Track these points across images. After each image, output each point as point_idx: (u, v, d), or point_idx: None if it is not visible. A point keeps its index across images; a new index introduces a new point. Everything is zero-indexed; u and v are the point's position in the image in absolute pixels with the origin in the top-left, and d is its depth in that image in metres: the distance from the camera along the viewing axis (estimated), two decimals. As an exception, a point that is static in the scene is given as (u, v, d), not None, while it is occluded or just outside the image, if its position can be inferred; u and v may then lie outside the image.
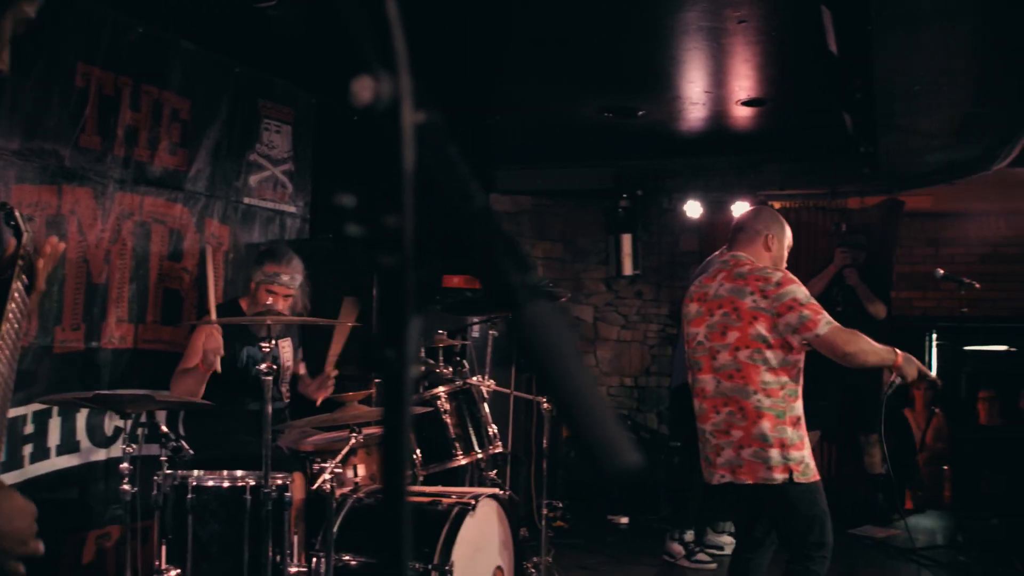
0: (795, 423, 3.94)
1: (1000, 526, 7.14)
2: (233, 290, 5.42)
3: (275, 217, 5.99)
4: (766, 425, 3.89)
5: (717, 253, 4.54)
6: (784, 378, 3.95)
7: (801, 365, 4.04)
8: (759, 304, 3.95)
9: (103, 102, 4.73)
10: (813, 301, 3.99)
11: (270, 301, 4.65)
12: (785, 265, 4.26)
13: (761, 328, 3.94)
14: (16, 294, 1.92)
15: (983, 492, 8.33)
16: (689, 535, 6.36)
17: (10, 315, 1.90)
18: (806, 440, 4.00)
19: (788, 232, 4.34)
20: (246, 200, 5.75)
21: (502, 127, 7.61)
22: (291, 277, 4.72)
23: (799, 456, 3.91)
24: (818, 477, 4.01)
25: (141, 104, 4.97)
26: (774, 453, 3.87)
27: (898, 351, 4.04)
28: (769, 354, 3.94)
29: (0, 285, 1.96)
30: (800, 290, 3.98)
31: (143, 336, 5.03)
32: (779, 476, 3.88)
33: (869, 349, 3.97)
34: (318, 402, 4.89)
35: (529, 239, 9.43)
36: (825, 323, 3.89)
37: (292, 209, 6.15)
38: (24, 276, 1.97)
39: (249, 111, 5.78)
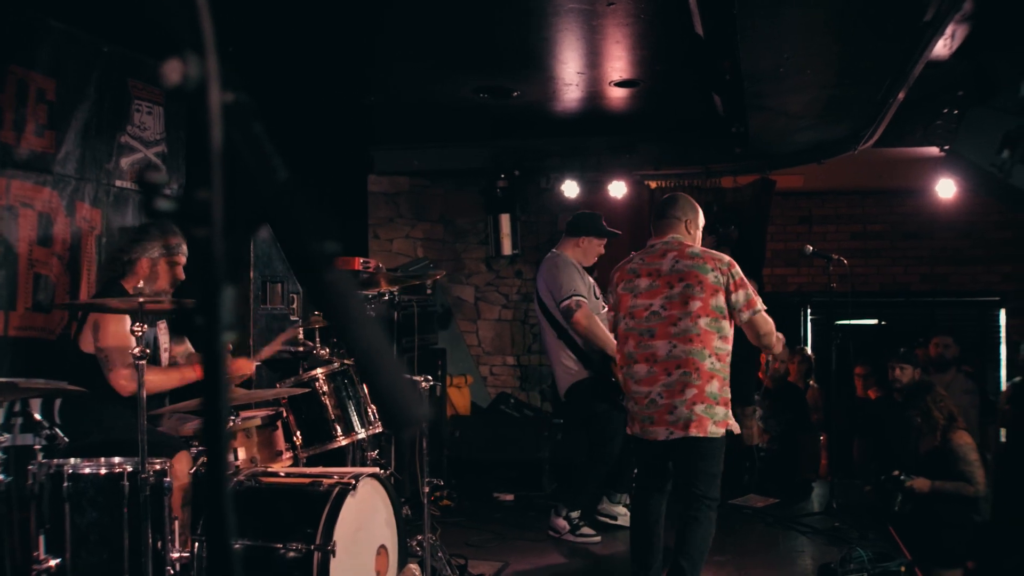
0: (728, 385, 4.65)
1: (872, 492, 7.43)
2: (107, 273, 5.33)
3: (149, 201, 5.90)
4: (716, 385, 4.57)
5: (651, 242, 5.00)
6: (728, 346, 4.64)
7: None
8: (719, 279, 4.58)
9: (-34, 84, 4.61)
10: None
11: (176, 276, 4.68)
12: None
13: (720, 300, 4.58)
14: None
15: (855, 460, 8.67)
16: (575, 512, 6.48)
17: None
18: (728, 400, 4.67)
19: (701, 215, 4.98)
20: (118, 183, 5.65)
21: (378, 108, 7.59)
22: (182, 239, 4.74)
23: (725, 414, 4.61)
24: (735, 430, 4.70)
25: (5, 84, 4.84)
26: (719, 410, 4.57)
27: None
28: (724, 323, 4.61)
29: None
30: (740, 272, 4.64)
31: (14, 324, 4.93)
32: (719, 431, 4.57)
33: (776, 335, 4.71)
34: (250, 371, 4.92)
35: (408, 220, 9.44)
36: (760, 305, 4.61)
37: (166, 192, 6.05)
38: None
39: (119, 91, 5.67)
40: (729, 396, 4.66)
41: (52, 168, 5.18)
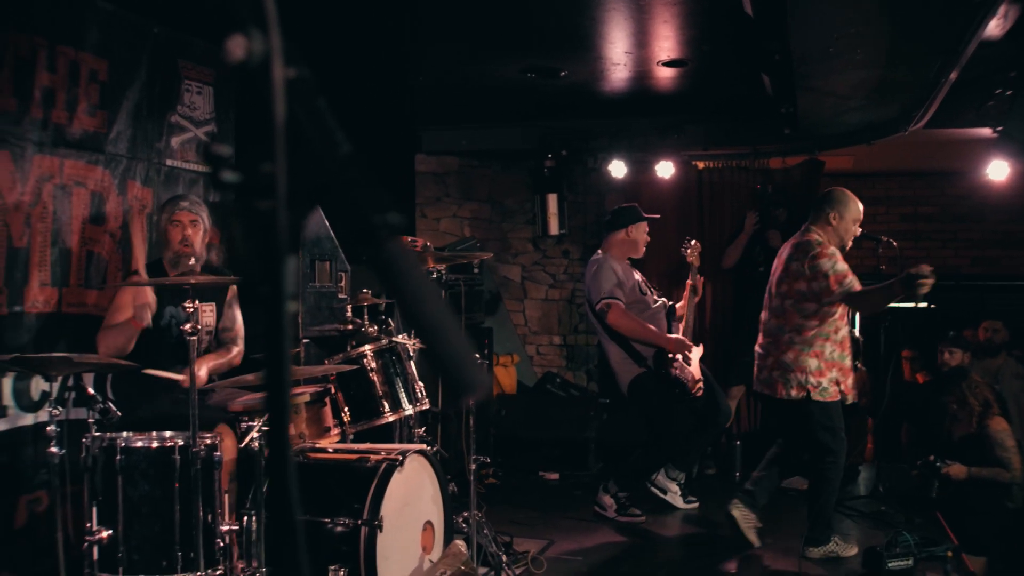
0: (817, 356, 5.41)
1: (919, 477, 7.37)
2: (157, 251, 5.40)
3: (199, 179, 5.97)
4: (790, 356, 5.44)
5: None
6: (813, 323, 5.42)
7: (834, 317, 5.45)
8: (802, 268, 5.40)
9: (18, 64, 4.66)
10: (836, 271, 5.33)
11: (184, 234, 4.73)
12: (853, 235, 5.63)
13: (800, 286, 5.41)
14: None
15: (903, 444, 8.59)
16: (622, 494, 6.51)
17: None
18: (829, 370, 5.44)
19: (853, 208, 5.60)
20: (168, 162, 5.72)
21: (427, 88, 7.61)
22: (190, 202, 4.82)
23: (815, 381, 5.40)
24: (833, 398, 5.45)
25: (58, 65, 4.91)
26: (793, 376, 5.42)
27: None
28: (807, 305, 5.41)
29: None
30: (827, 262, 5.34)
31: (67, 300, 5.01)
32: (797, 394, 5.42)
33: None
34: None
35: (455, 199, 9.46)
36: (838, 289, 5.31)
37: (228, 166, 6.11)
38: None
39: (169, 72, 5.73)
40: (812, 364, 5.46)
41: (104, 148, 5.25)
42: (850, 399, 5.59)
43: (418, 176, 9.26)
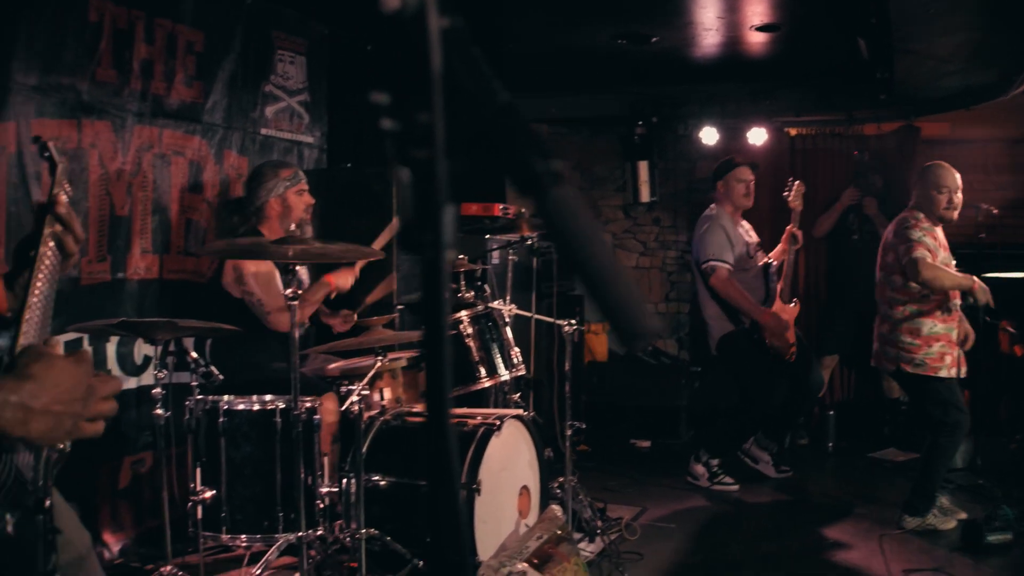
0: (912, 332, 5.41)
1: (1018, 450, 7.21)
2: (236, 224, 5.48)
3: (292, 147, 6.04)
4: (885, 328, 5.54)
5: None
6: (905, 298, 5.44)
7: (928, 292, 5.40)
8: (895, 242, 5.43)
9: (117, 36, 4.76)
10: (916, 245, 5.29)
11: (308, 202, 4.81)
12: (955, 207, 5.52)
13: (890, 259, 5.47)
14: (50, 240, 1.92)
15: (1002, 418, 8.39)
16: (715, 460, 6.47)
17: (47, 254, 1.90)
18: (927, 344, 5.40)
19: (949, 181, 5.49)
20: (263, 131, 5.80)
21: (516, 56, 7.58)
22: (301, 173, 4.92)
23: (908, 357, 5.41)
24: (933, 373, 5.38)
25: (155, 37, 5.00)
26: (890, 351, 5.50)
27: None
28: (894, 278, 5.46)
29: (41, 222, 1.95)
30: (915, 233, 5.35)
31: (167, 266, 5.12)
32: (902, 367, 5.46)
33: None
34: (335, 331, 5.05)
35: (545, 168, 9.43)
36: (912, 266, 5.26)
37: (309, 139, 6.20)
38: (59, 224, 1.94)
39: (262, 42, 5.80)
40: (907, 341, 5.46)
41: (201, 117, 5.34)
42: (960, 373, 5.44)
43: (507, 143, 9.23)
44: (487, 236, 6.16)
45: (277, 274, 4.71)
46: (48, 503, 1.62)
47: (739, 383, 6.63)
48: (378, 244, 4.98)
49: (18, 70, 4.25)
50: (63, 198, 1.96)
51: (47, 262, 1.87)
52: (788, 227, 6.63)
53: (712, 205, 6.67)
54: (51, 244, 1.90)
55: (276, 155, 5.86)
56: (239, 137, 5.60)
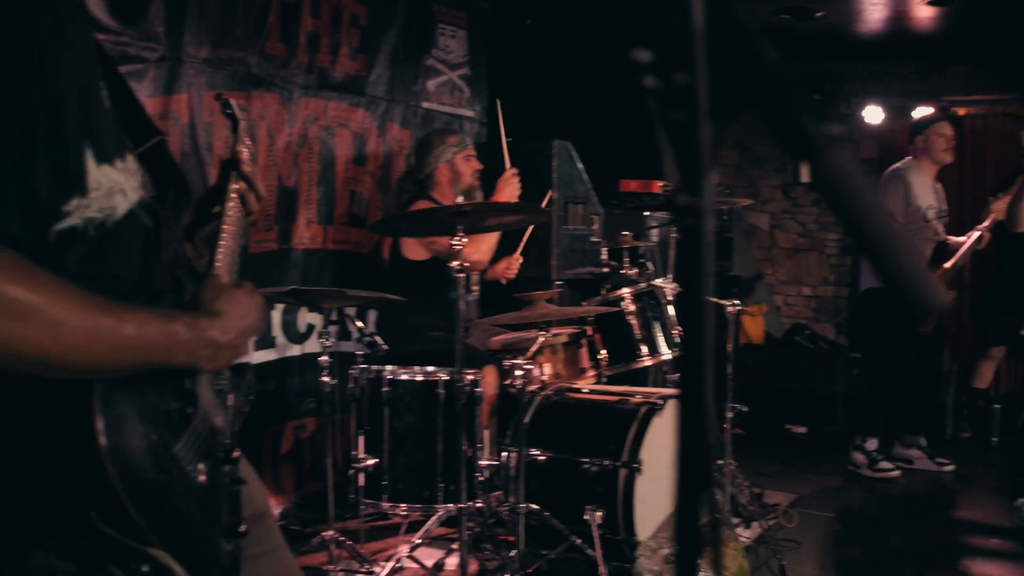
0: None
1: None
2: (406, 195, 5.52)
3: (453, 121, 6.06)
4: None
5: None
6: None
7: None
8: None
9: (285, 10, 4.84)
10: None
11: (476, 168, 4.83)
12: None
13: None
14: (235, 196, 1.93)
15: None
16: (872, 444, 6.26)
17: (231, 209, 1.92)
18: None
19: None
20: (424, 104, 5.83)
21: (677, 32, 7.44)
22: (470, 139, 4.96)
23: None
24: None
25: (321, 11, 5.06)
26: None
27: None
28: None
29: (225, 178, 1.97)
30: None
31: (332, 237, 5.20)
32: None
33: None
34: (503, 281, 5.05)
35: (703, 145, 9.29)
36: None
37: (470, 113, 6.21)
38: (241, 181, 1.96)
39: (424, 16, 5.83)
40: None
41: (365, 90, 5.39)
42: None
43: (665, 120, 9.13)
44: (647, 213, 6.08)
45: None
46: (237, 453, 1.64)
47: (874, 345, 6.38)
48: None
49: (190, 44, 4.35)
50: (246, 155, 1.97)
51: (231, 218, 1.88)
52: (979, 227, 6.34)
53: (907, 158, 6.38)
54: (236, 200, 1.91)
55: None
56: (401, 110, 5.65)
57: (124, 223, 1.46)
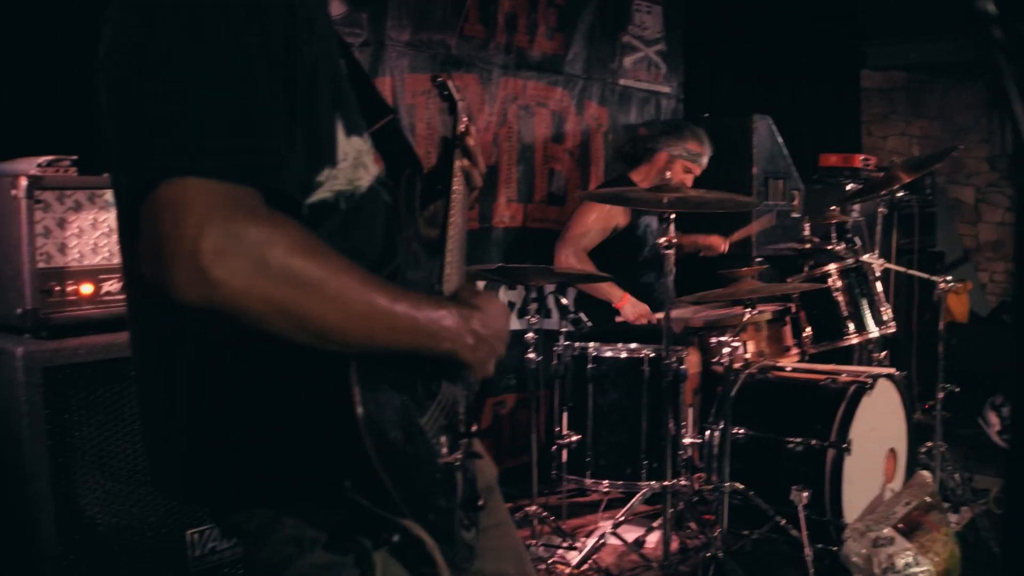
0: None
1: None
2: (612, 169, 5.53)
3: (650, 98, 6.03)
4: None
5: None
6: None
7: None
8: None
9: (483, -8, 4.92)
10: None
11: (684, 178, 4.78)
12: None
13: None
14: (460, 174, 1.96)
15: None
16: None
17: (455, 193, 1.95)
18: None
19: None
20: (621, 81, 5.81)
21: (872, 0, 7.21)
22: (707, 160, 4.83)
23: None
24: None
25: (518, -9, 5.12)
26: None
27: None
28: None
29: (447, 160, 2.00)
30: None
31: (531, 215, 5.26)
32: None
33: None
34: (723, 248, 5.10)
35: (903, 116, 8.97)
36: None
37: (666, 90, 6.16)
38: (465, 158, 1.98)
39: (620, -8, 5.82)
40: None
41: (562, 69, 5.42)
42: None
43: (863, 93, 8.85)
44: (848, 187, 5.90)
45: (612, 218, 4.76)
46: (475, 427, 1.67)
47: None
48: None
49: (391, 28, 4.47)
50: (472, 131, 2.00)
51: (458, 195, 1.91)
52: None
53: None
54: (460, 177, 1.94)
55: (635, 106, 5.87)
56: (598, 88, 5.65)
57: (367, 197, 1.49)
